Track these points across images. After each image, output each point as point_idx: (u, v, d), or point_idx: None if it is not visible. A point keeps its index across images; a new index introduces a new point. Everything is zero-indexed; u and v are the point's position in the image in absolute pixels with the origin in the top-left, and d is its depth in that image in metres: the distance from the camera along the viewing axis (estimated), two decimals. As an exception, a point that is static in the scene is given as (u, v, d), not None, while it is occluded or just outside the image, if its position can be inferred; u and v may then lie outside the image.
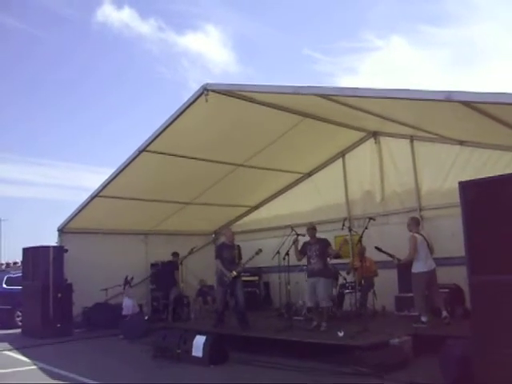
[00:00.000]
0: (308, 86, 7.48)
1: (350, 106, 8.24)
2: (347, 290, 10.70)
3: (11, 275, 15.04)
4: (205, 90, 8.58)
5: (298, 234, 9.64)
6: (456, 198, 5.67)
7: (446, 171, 10.52)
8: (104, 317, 12.13)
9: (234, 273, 9.69)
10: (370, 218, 9.48)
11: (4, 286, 14.50)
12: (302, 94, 7.63)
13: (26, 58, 57.90)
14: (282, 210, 14.20)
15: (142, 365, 8.12)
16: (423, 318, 8.53)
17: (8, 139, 54.02)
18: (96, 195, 11.90)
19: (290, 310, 10.03)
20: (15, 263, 19.83)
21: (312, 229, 9.46)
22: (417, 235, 8.85)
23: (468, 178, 5.69)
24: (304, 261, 9.43)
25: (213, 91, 8.57)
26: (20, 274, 13.55)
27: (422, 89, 6.06)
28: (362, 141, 12.22)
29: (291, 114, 9.59)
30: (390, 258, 9.40)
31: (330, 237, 11.12)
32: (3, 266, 20.44)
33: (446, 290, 9.29)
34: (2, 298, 14.08)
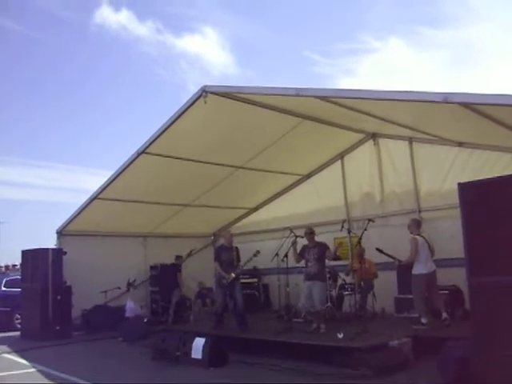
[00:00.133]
0: (307, 88, 7.48)
1: (349, 108, 8.25)
2: (346, 292, 10.69)
3: (10, 277, 15.04)
4: (203, 92, 8.57)
5: (296, 236, 9.64)
6: (455, 200, 5.68)
7: (444, 172, 10.53)
8: (103, 319, 12.12)
9: (233, 275, 9.70)
10: (369, 220, 9.49)
11: (3, 288, 14.48)
12: (302, 96, 7.63)
13: (25, 60, 57.91)
14: (281, 212, 14.19)
15: (142, 367, 8.11)
16: (423, 320, 8.53)
17: (7, 141, 53.96)
18: (95, 197, 11.89)
19: (289, 312, 10.02)
20: (14, 265, 19.83)
21: (310, 233, 9.45)
22: (418, 237, 8.85)
23: (467, 180, 5.70)
24: (303, 263, 9.42)
25: (212, 93, 8.57)
26: (19, 277, 13.52)
27: (421, 90, 6.08)
28: (360, 142, 12.22)
29: (290, 115, 9.58)
30: (389, 260, 9.40)
31: (329, 238, 11.15)
32: (2, 269, 20.44)
33: (446, 292, 9.29)
34: (1, 301, 14.06)
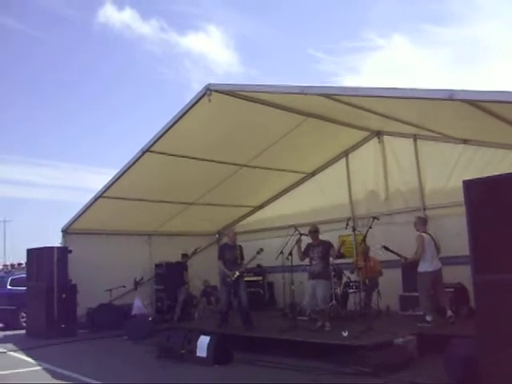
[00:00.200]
0: (312, 86, 7.47)
1: (353, 106, 8.23)
2: (351, 290, 10.68)
3: (16, 276, 15.10)
4: (208, 91, 8.57)
5: (301, 234, 9.63)
6: (460, 197, 5.65)
7: (449, 170, 10.50)
8: (108, 317, 12.15)
9: (237, 273, 9.70)
10: (374, 218, 9.47)
11: (9, 287, 14.54)
12: (306, 94, 7.62)
13: (26, 59, 57.95)
14: (286, 210, 14.19)
15: (147, 365, 8.13)
16: (428, 318, 8.51)
17: (8, 140, 54.09)
18: (100, 196, 11.92)
19: (294, 310, 10.03)
20: (19, 264, 19.93)
21: (314, 231, 9.43)
22: (424, 234, 8.83)
23: (472, 177, 5.67)
24: (307, 261, 9.41)
25: (216, 91, 8.57)
26: (24, 275, 13.57)
27: (425, 88, 6.06)
28: (365, 140, 12.21)
29: (294, 113, 9.57)
30: (394, 258, 9.39)
31: (334, 236, 11.16)
32: (8, 267, 20.53)
33: (451, 290, 9.27)
34: (6, 299, 14.13)
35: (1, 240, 51.56)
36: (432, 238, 8.83)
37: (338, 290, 10.80)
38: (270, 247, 10.91)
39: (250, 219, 15.43)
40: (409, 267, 9.74)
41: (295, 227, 10.09)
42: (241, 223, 15.54)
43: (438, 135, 10.34)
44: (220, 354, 7.75)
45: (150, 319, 11.96)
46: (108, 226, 13.23)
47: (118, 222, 13.21)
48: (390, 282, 10.48)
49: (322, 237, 9.52)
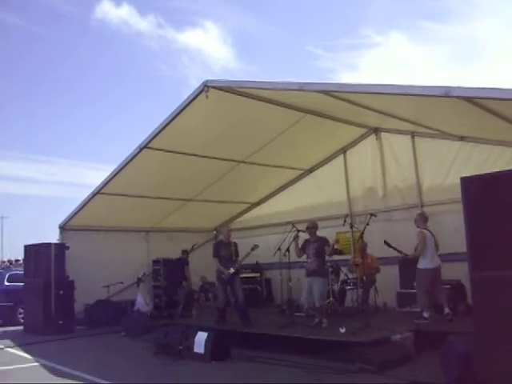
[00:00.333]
0: (310, 83, 7.46)
1: (352, 102, 8.23)
2: (349, 287, 10.69)
3: (13, 272, 15.09)
4: (205, 87, 8.57)
5: (298, 231, 9.62)
6: (458, 194, 5.66)
7: (447, 167, 10.53)
8: (106, 314, 12.17)
9: (232, 270, 9.70)
10: (372, 215, 9.48)
11: (6, 283, 14.53)
12: (304, 91, 7.61)
13: (26, 56, 57.81)
14: (284, 207, 14.20)
15: (144, 361, 8.13)
16: (425, 314, 8.53)
17: (9, 136, 54.02)
18: (97, 192, 11.91)
19: (291, 307, 10.03)
20: (17, 260, 19.90)
21: (311, 227, 9.41)
22: (425, 231, 8.85)
23: (469, 174, 5.68)
24: (305, 257, 9.42)
25: (213, 88, 8.56)
26: (22, 272, 13.56)
27: (422, 84, 6.06)
28: (363, 137, 12.22)
29: (292, 110, 9.56)
30: (391, 255, 9.40)
31: (331, 233, 11.16)
32: (6, 264, 20.51)
33: (448, 286, 9.29)
34: (4, 296, 14.13)
35: (-2, 236, 51.49)
36: (432, 234, 8.85)
37: (336, 287, 10.81)
38: (268, 244, 10.91)
39: (247, 216, 15.44)
40: (406, 264, 9.78)
41: (293, 224, 10.08)
42: (238, 220, 15.55)
43: (436, 132, 10.35)
44: (217, 350, 7.76)
45: (148, 315, 11.98)
46: (105, 222, 13.23)
47: (116, 218, 13.20)
48: (388, 279, 10.50)
49: (319, 234, 9.51)
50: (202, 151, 11.04)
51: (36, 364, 8.31)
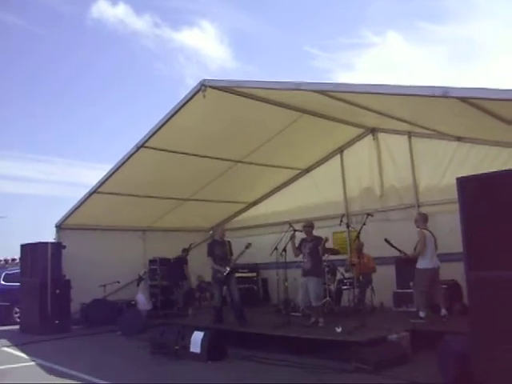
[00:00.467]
0: (307, 82, 7.46)
1: (348, 102, 8.24)
2: (345, 286, 10.69)
3: (9, 271, 15.05)
4: (202, 86, 8.56)
5: (295, 230, 9.63)
6: (454, 194, 5.67)
7: (443, 167, 10.54)
8: (102, 313, 12.14)
9: (227, 269, 9.70)
10: (368, 214, 9.49)
11: (2, 282, 14.50)
12: (301, 90, 7.61)
13: (26, 56, 57.53)
14: (280, 207, 14.20)
15: (140, 361, 8.13)
16: (421, 314, 8.55)
17: (8, 136, 53.70)
18: (94, 191, 11.89)
19: (287, 306, 10.04)
20: (13, 260, 19.82)
21: (307, 226, 9.41)
22: (426, 231, 8.86)
23: (466, 174, 5.69)
24: (302, 257, 9.42)
25: (211, 87, 8.55)
26: (18, 271, 13.53)
27: (419, 85, 6.06)
28: (360, 137, 12.23)
29: (289, 110, 9.56)
30: (387, 255, 9.41)
31: (328, 233, 11.16)
32: (2, 263, 20.44)
33: (444, 286, 9.29)
34: (0, 295, 14.08)
35: (-5, 235, 51.34)
36: (433, 235, 8.86)
37: (332, 287, 10.82)
38: (264, 244, 10.93)
39: (244, 215, 15.44)
40: (402, 264, 9.80)
41: (289, 223, 10.09)
42: (235, 219, 15.55)
43: (433, 132, 10.37)
44: (214, 349, 7.76)
45: (146, 313, 12.00)
46: (102, 221, 13.22)
47: (113, 217, 13.18)
48: (384, 279, 10.51)
49: (315, 233, 9.51)
50: (198, 151, 11.03)
51: (32, 363, 8.29)
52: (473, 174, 5.70)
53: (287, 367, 7.08)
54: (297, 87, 7.54)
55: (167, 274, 13.66)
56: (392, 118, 9.42)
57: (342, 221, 10.31)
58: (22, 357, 8.95)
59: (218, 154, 11.45)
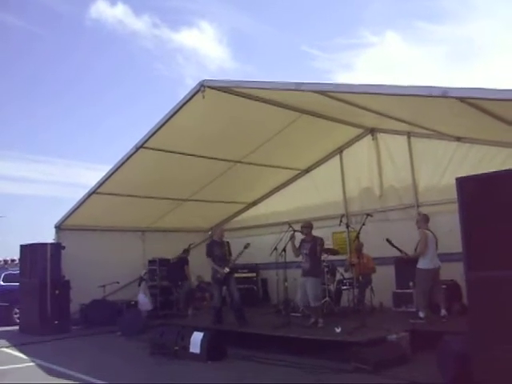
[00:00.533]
0: (306, 83, 7.46)
1: (348, 103, 8.24)
2: (345, 287, 10.69)
3: (9, 272, 15.04)
4: (202, 87, 8.56)
5: (294, 230, 9.62)
6: (453, 194, 5.67)
7: (443, 167, 10.54)
8: (101, 314, 12.14)
9: (227, 269, 9.70)
10: (368, 215, 9.49)
11: (1, 283, 14.49)
12: (301, 91, 7.61)
13: (26, 56, 57.50)
14: (280, 207, 14.20)
15: (140, 361, 8.12)
16: (421, 314, 8.55)
17: (8, 137, 53.67)
18: (93, 192, 11.88)
19: (287, 307, 10.03)
20: (13, 260, 19.81)
21: (305, 227, 9.38)
22: (427, 231, 8.86)
23: (465, 174, 5.69)
24: (301, 257, 9.42)
25: (210, 87, 8.56)
26: (17, 271, 13.52)
27: (418, 85, 6.06)
28: (359, 137, 12.23)
29: (289, 110, 9.57)
30: (386, 255, 9.41)
31: (327, 233, 11.19)
32: (1, 263, 20.42)
33: (444, 286, 9.30)
34: (-1, 296, 14.09)
35: (-6, 236, 51.22)
36: (434, 235, 8.85)
37: (332, 287, 10.82)
38: (264, 244, 10.92)
39: (243, 216, 15.44)
40: (402, 264, 9.80)
41: (289, 223, 10.09)
42: (234, 220, 15.56)
43: (432, 132, 10.37)
44: (213, 350, 7.76)
45: (147, 314, 12.00)
46: (101, 222, 13.21)
47: (112, 218, 13.18)
48: (384, 279, 10.51)
49: (315, 234, 9.50)
50: (198, 151, 11.03)
51: (32, 364, 8.28)
52: (472, 173, 5.71)
53: (287, 367, 7.08)
54: (296, 87, 7.55)
55: (168, 274, 13.64)
56: (391, 118, 9.42)
57: (341, 221, 10.30)
58: (21, 357, 8.94)
59: (218, 154, 11.44)
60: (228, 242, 10.22)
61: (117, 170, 11.17)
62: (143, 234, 14.46)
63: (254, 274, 13.73)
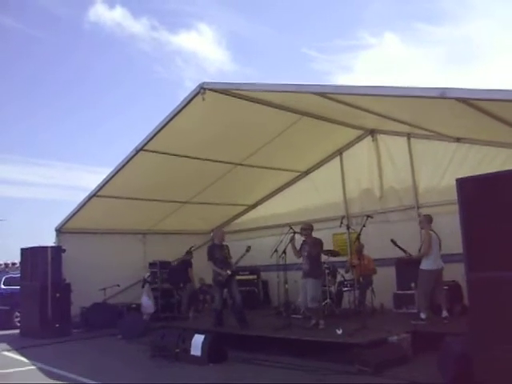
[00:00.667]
0: (306, 85, 7.47)
1: (347, 104, 8.25)
2: (346, 288, 10.69)
3: (9, 275, 15.05)
4: (202, 89, 8.55)
5: (294, 232, 9.62)
6: (454, 196, 5.67)
7: (443, 168, 10.54)
8: (102, 317, 12.13)
9: (229, 272, 9.69)
10: (368, 216, 9.47)
11: (2, 286, 14.49)
12: (300, 93, 7.62)
13: (25, 58, 57.57)
14: (280, 209, 14.19)
15: (141, 364, 8.12)
16: (422, 315, 8.53)
17: (8, 139, 53.75)
18: (93, 195, 11.89)
19: (288, 309, 10.03)
20: (13, 264, 19.83)
21: (305, 229, 9.38)
22: (431, 232, 8.85)
23: (465, 175, 5.69)
24: (302, 259, 9.41)
25: (210, 90, 8.55)
26: (18, 275, 13.52)
27: (418, 86, 6.07)
28: (359, 139, 12.23)
29: (289, 112, 9.57)
30: (387, 256, 9.39)
31: (328, 235, 11.18)
32: (2, 267, 20.44)
33: (445, 287, 9.29)
34: (0, 299, 14.07)
35: (-5, 239, 51.16)
36: (438, 236, 8.85)
37: (333, 289, 10.80)
38: (265, 246, 10.91)
39: (244, 218, 15.43)
40: (403, 265, 9.80)
41: (290, 226, 10.08)
42: (235, 222, 15.55)
43: (432, 134, 10.37)
44: (214, 352, 7.75)
45: (144, 318, 11.98)
46: (102, 224, 13.21)
47: (112, 220, 13.18)
48: (384, 280, 10.51)
49: (316, 235, 9.49)
50: (198, 153, 11.04)
51: (33, 367, 8.27)
52: (472, 174, 5.71)
53: (287, 369, 7.08)
54: (296, 89, 7.55)
55: (170, 276, 13.63)
56: (391, 119, 9.43)
57: (342, 222, 10.30)
58: (22, 360, 8.93)
59: (218, 156, 11.45)
60: (227, 246, 10.21)
61: (117, 172, 11.18)
62: (144, 236, 14.45)
63: (255, 276, 13.71)
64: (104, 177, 11.58)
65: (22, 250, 12.77)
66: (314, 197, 13.26)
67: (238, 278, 10.92)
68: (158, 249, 14.02)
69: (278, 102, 9.06)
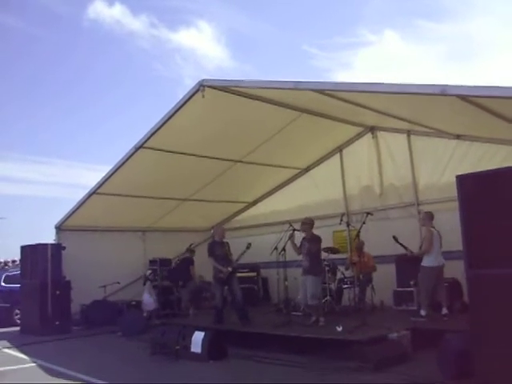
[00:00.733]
0: (306, 81, 7.46)
1: (347, 101, 8.23)
2: (346, 285, 10.69)
3: (10, 273, 15.05)
4: (201, 86, 8.55)
5: (294, 229, 9.61)
6: (454, 192, 5.67)
7: (443, 165, 10.54)
8: (102, 314, 12.13)
9: (229, 269, 9.69)
10: (368, 213, 9.48)
11: (2, 284, 14.50)
12: (300, 90, 7.61)
13: (26, 57, 57.44)
14: (280, 206, 14.19)
15: (141, 361, 8.12)
16: (422, 312, 8.54)
17: (8, 137, 53.67)
18: (93, 192, 11.88)
19: (288, 306, 10.04)
20: (14, 261, 19.84)
21: (305, 224, 9.37)
22: (432, 229, 8.85)
23: (465, 172, 5.68)
24: (302, 256, 9.41)
25: (209, 87, 8.55)
26: (18, 272, 13.53)
27: (417, 83, 6.06)
28: (359, 136, 12.22)
29: (288, 109, 9.56)
30: (387, 253, 9.39)
31: (328, 232, 11.17)
32: (2, 264, 20.45)
33: (445, 284, 9.29)
34: (0, 297, 14.09)
35: (-6, 237, 51.16)
36: (439, 233, 8.84)
37: (333, 286, 10.80)
38: (264, 243, 10.90)
39: (244, 215, 15.43)
40: (403, 262, 9.80)
41: (289, 222, 10.08)
42: (235, 219, 15.55)
43: (432, 131, 10.36)
44: (215, 349, 7.76)
45: (145, 315, 11.99)
46: (102, 222, 13.21)
47: (112, 218, 13.18)
48: (384, 277, 10.51)
49: (316, 232, 9.49)
50: (198, 151, 11.03)
51: (33, 364, 8.29)
52: (472, 171, 5.70)
53: (287, 367, 7.07)
54: (296, 86, 7.54)
55: (170, 274, 13.64)
56: (391, 116, 9.41)
57: (342, 220, 10.27)
58: (22, 358, 8.94)
59: (218, 153, 11.44)
60: (227, 243, 10.21)
61: (117, 170, 11.17)
62: (144, 234, 14.45)
63: (255, 274, 13.72)
64: (104, 174, 11.58)
65: (22, 247, 12.80)
66: (313, 194, 13.26)
67: (238, 275, 10.92)
68: (157, 246, 14.01)
69: (277, 98, 9.05)
